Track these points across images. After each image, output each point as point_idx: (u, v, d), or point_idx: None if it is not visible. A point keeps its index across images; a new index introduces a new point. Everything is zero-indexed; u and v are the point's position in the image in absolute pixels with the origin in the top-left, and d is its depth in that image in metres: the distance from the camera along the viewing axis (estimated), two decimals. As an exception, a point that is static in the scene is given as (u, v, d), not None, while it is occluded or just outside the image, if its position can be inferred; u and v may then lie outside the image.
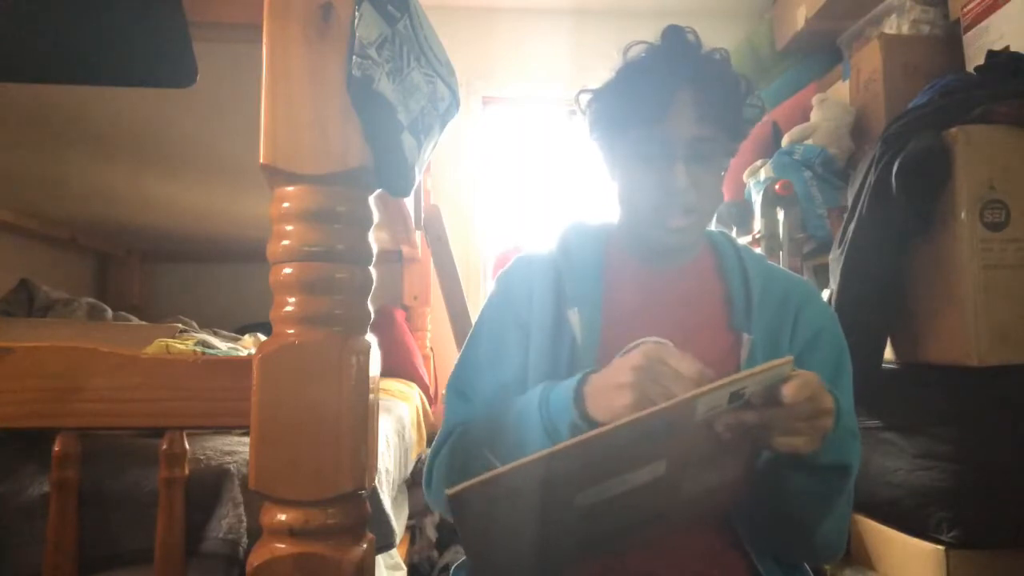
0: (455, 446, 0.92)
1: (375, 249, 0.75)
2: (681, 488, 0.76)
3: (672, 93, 0.87)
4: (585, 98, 0.96)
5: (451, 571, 0.98)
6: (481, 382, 0.95)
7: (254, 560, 0.68)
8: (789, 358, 0.68)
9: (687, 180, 0.87)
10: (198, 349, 1.27)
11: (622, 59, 0.93)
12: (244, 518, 0.95)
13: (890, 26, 2.06)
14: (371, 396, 0.72)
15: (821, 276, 2.00)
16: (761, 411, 0.69)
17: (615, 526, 0.78)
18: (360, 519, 0.72)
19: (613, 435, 0.64)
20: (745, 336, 0.91)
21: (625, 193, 0.95)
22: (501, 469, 0.63)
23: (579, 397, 0.77)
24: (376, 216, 0.76)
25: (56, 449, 0.83)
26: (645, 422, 0.64)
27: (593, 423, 0.74)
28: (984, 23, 1.71)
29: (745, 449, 0.78)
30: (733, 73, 0.93)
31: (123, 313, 1.91)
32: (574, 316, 0.91)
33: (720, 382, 0.65)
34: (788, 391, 0.68)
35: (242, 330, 1.99)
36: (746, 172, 2.23)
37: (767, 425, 0.70)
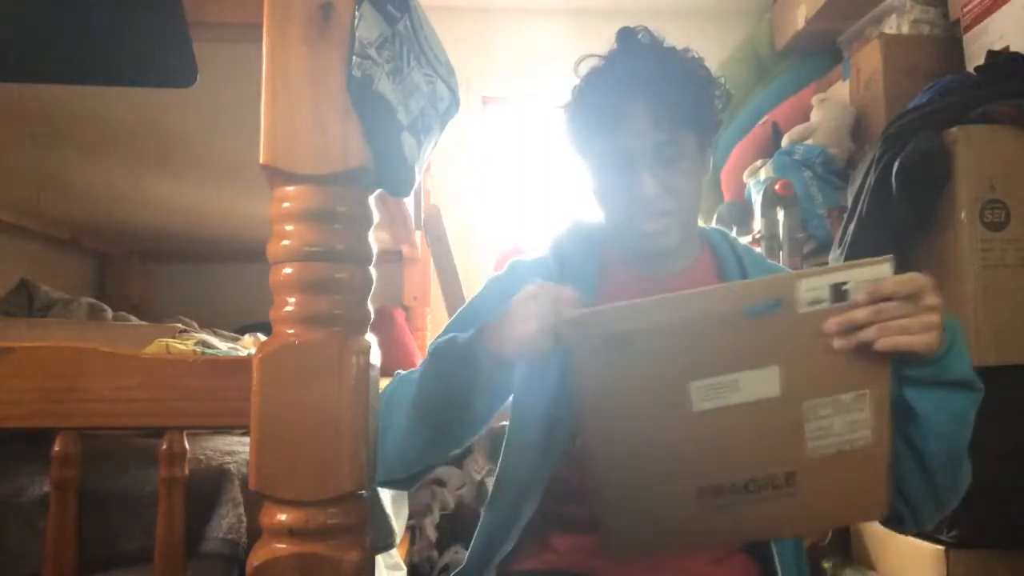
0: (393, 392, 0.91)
1: (375, 249, 0.75)
2: (805, 432, 0.73)
3: (626, 101, 0.86)
4: (560, 114, 0.97)
5: None
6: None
7: (254, 560, 0.68)
8: (888, 256, 0.68)
9: (656, 187, 0.87)
10: (198, 349, 1.27)
11: (577, 72, 0.93)
12: (244, 518, 0.95)
13: (890, 26, 2.06)
14: (371, 396, 0.72)
15: (821, 276, 2.00)
16: (868, 309, 0.68)
17: (736, 472, 0.74)
18: (360, 519, 0.72)
19: (718, 295, 0.68)
20: None
21: (602, 202, 0.95)
22: (621, 303, 0.67)
23: (476, 337, 0.78)
24: (376, 216, 0.76)
25: (56, 449, 0.83)
26: (752, 289, 0.67)
27: (477, 339, 0.77)
28: (984, 23, 1.71)
29: (875, 396, 0.73)
30: (689, 67, 0.91)
31: (123, 313, 1.91)
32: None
33: (819, 268, 0.66)
34: (891, 283, 0.68)
35: (242, 330, 1.99)
36: (746, 172, 2.23)
37: (879, 325, 0.68)
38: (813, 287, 0.68)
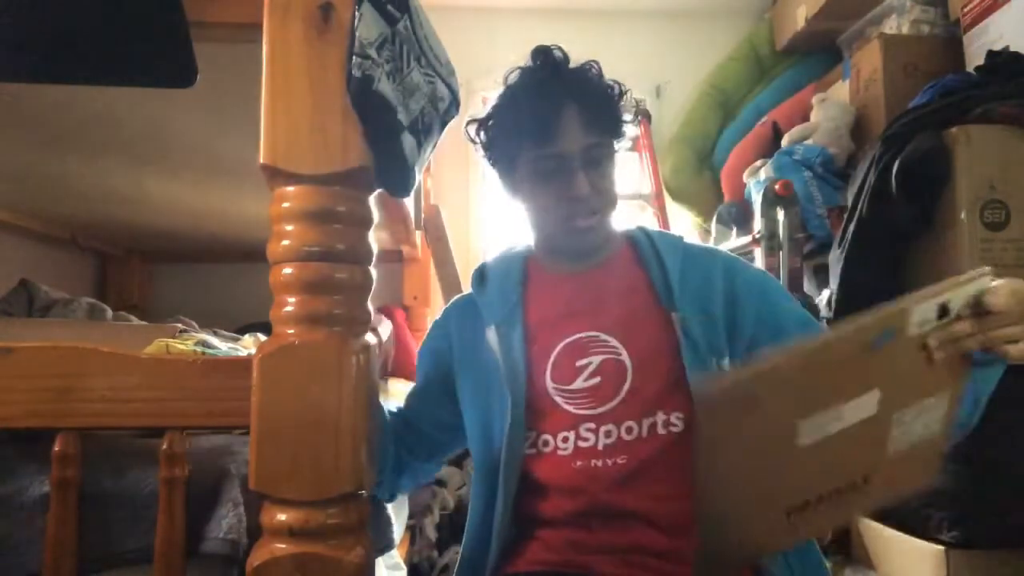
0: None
1: (375, 249, 0.75)
2: (889, 437, 0.74)
3: (557, 110, 0.92)
4: (472, 127, 1.00)
5: None
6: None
7: (254, 560, 0.68)
8: (988, 268, 0.70)
9: (588, 187, 0.93)
10: (198, 349, 1.27)
11: (503, 86, 0.98)
12: (244, 518, 0.95)
13: (890, 26, 2.06)
14: (371, 396, 0.72)
15: (821, 276, 2.00)
16: (971, 321, 0.71)
17: (823, 487, 0.75)
18: (360, 519, 0.72)
19: (842, 340, 0.67)
20: (673, 315, 0.93)
21: (533, 208, 0.99)
22: (751, 368, 0.67)
23: None
24: (376, 216, 0.76)
25: (56, 449, 0.83)
26: (865, 328, 0.67)
27: None
28: (984, 23, 1.71)
29: (953, 394, 0.76)
30: (604, 81, 0.98)
31: (123, 313, 1.91)
32: (491, 334, 0.96)
33: (926, 291, 0.68)
34: (998, 297, 0.70)
35: (242, 330, 1.99)
36: (746, 172, 2.23)
37: (982, 336, 0.71)
38: (924, 312, 0.69)
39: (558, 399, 0.92)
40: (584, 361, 0.93)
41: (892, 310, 0.67)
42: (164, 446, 0.84)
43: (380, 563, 1.45)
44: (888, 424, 0.73)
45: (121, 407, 0.81)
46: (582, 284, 0.99)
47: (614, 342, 0.93)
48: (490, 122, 0.99)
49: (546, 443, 0.92)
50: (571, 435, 0.91)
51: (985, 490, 1.34)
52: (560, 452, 0.90)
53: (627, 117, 1.01)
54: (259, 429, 0.69)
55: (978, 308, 0.71)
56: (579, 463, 0.89)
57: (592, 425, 0.90)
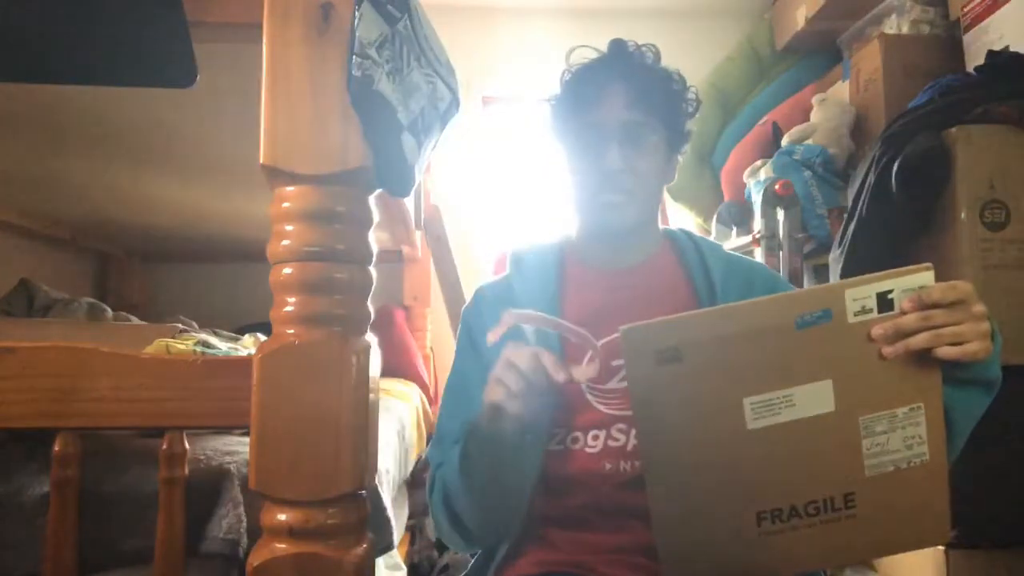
0: (443, 494, 0.94)
1: (375, 249, 0.75)
2: (862, 449, 0.72)
3: (605, 83, 0.94)
4: (548, 107, 1.03)
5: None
6: (451, 425, 0.97)
7: (254, 560, 0.68)
8: (928, 264, 0.70)
9: (621, 161, 0.92)
10: (198, 349, 1.27)
11: (568, 61, 1.01)
12: (244, 518, 0.95)
13: (890, 26, 2.06)
14: (371, 396, 0.72)
15: (821, 276, 2.00)
16: (916, 316, 0.69)
17: (797, 495, 0.74)
18: (360, 519, 0.72)
19: (766, 306, 0.68)
20: None
21: (572, 184, 0.99)
22: (671, 317, 0.67)
23: (474, 435, 0.85)
24: (376, 216, 0.76)
25: (56, 449, 0.83)
26: (799, 300, 0.68)
27: (481, 430, 0.82)
28: (984, 23, 1.71)
29: (929, 410, 0.73)
30: (667, 71, 0.99)
31: (123, 313, 1.91)
32: (529, 331, 0.91)
33: (863, 277, 0.68)
34: (937, 290, 0.69)
35: (242, 330, 1.99)
36: (746, 172, 2.23)
37: (930, 332, 0.69)
38: (859, 296, 0.68)
39: (590, 397, 0.91)
40: (620, 362, 0.90)
41: (824, 287, 0.68)
42: (164, 446, 0.84)
43: (380, 563, 1.45)
44: (855, 428, 0.72)
45: (121, 407, 0.81)
46: (622, 282, 0.98)
47: None
48: (555, 95, 1.01)
49: (575, 440, 0.90)
50: (602, 434, 0.89)
51: (985, 490, 1.33)
52: (588, 450, 0.89)
53: (687, 110, 1.00)
54: (259, 429, 0.69)
55: (922, 303, 0.69)
56: (608, 465, 0.88)
57: (623, 426, 0.89)
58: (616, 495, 0.87)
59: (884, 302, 0.69)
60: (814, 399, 0.70)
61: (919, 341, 0.69)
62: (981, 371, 0.78)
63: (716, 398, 0.70)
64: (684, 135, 1.01)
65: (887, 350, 0.69)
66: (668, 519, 0.74)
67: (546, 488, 0.91)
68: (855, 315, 0.69)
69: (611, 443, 0.89)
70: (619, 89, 0.94)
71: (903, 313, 0.69)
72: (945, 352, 0.70)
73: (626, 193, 0.94)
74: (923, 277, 0.70)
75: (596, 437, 0.89)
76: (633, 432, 0.88)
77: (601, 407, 0.90)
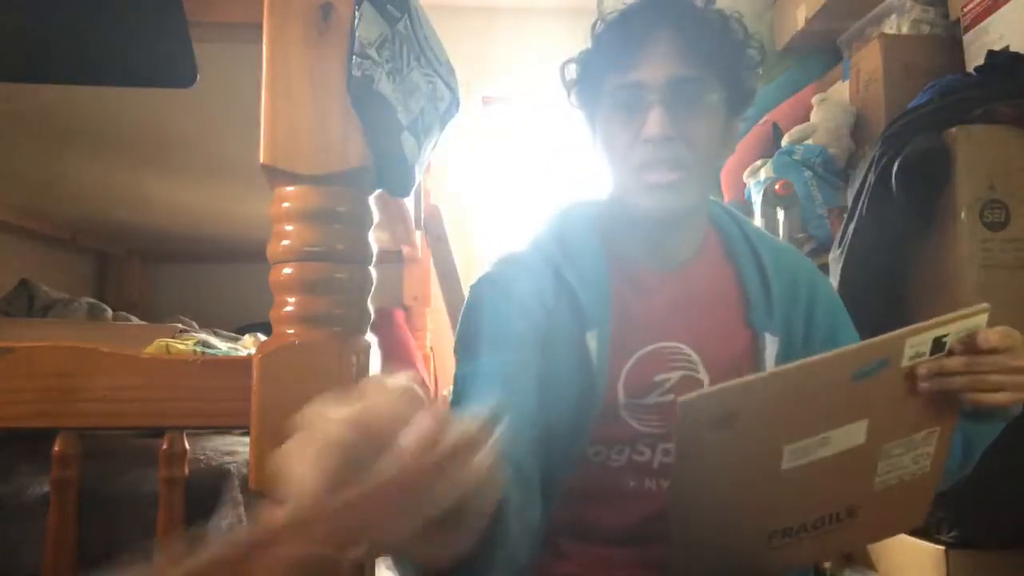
0: None
1: (375, 249, 0.75)
2: (876, 470, 0.73)
3: (647, 35, 0.77)
4: (570, 67, 0.87)
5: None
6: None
7: (254, 560, 0.68)
8: (986, 305, 0.68)
9: (666, 126, 0.75)
10: (198, 349, 1.27)
11: (598, 11, 0.84)
12: (244, 518, 0.95)
13: (890, 26, 2.05)
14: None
15: (821, 276, 2.00)
16: (962, 359, 0.67)
17: (807, 515, 0.74)
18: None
19: (828, 366, 0.65)
20: (769, 336, 0.83)
21: (607, 159, 0.82)
22: (730, 385, 0.64)
23: None
24: (376, 216, 0.76)
25: (56, 449, 0.83)
26: (861, 354, 0.65)
27: None
28: (984, 23, 1.71)
29: (944, 432, 0.74)
30: (721, 12, 0.80)
31: (123, 313, 1.91)
32: (592, 340, 0.80)
33: (922, 324, 0.67)
34: (992, 337, 0.67)
35: (242, 330, 1.99)
36: (746, 172, 2.22)
37: (970, 377, 0.68)
38: (916, 343, 0.68)
39: (624, 413, 0.82)
40: (663, 376, 0.82)
41: (887, 338, 0.66)
42: (164, 446, 0.84)
43: (380, 563, 1.45)
44: (876, 455, 0.72)
45: (121, 407, 0.80)
46: (671, 286, 0.85)
47: (695, 357, 0.82)
48: (583, 54, 0.84)
49: (597, 453, 0.83)
50: (626, 448, 0.83)
51: (985, 490, 1.33)
52: (612, 463, 0.83)
53: (751, 63, 0.81)
54: (259, 429, 0.69)
55: (971, 347, 0.68)
56: (632, 483, 0.82)
57: (650, 441, 0.82)
58: (637, 512, 0.83)
59: (938, 345, 0.68)
60: (848, 436, 0.70)
61: (957, 385, 0.68)
62: (1006, 412, 0.76)
63: (759, 449, 0.69)
64: (748, 94, 0.83)
65: (923, 386, 0.67)
66: (685, 546, 0.74)
67: (562, 497, 0.84)
68: (909, 359, 0.68)
69: (636, 457, 0.83)
70: (665, 37, 0.76)
71: (951, 353, 0.68)
72: (977, 399, 0.69)
73: (678, 169, 0.76)
74: (978, 320, 0.70)
75: (621, 452, 0.83)
76: (660, 448, 0.82)
77: (633, 423, 0.83)
